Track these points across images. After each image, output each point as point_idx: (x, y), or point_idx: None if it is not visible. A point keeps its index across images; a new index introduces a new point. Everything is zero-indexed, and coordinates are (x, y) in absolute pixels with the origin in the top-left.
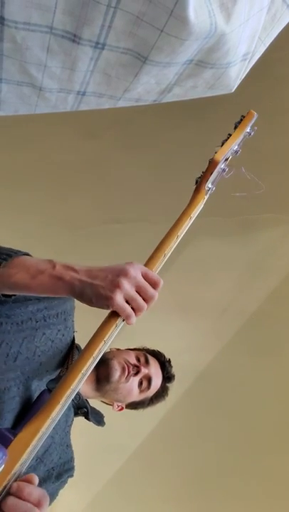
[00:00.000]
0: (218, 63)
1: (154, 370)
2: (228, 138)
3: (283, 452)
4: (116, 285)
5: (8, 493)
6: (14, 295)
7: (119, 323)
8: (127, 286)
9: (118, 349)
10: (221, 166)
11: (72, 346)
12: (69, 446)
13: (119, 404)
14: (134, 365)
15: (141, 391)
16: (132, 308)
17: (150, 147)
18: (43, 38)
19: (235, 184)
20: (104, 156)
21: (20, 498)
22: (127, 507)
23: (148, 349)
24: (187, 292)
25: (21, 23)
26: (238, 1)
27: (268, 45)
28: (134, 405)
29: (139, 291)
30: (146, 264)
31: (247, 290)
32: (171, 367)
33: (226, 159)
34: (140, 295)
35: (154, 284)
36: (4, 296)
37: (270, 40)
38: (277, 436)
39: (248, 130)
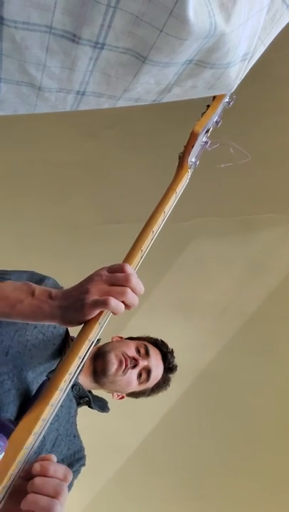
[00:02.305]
0: (218, 63)
1: (155, 362)
2: (207, 109)
3: (283, 452)
4: (85, 290)
5: (26, 479)
6: None
7: None
8: (97, 284)
9: (120, 337)
10: (203, 138)
11: (67, 337)
12: (76, 436)
13: (119, 393)
14: (132, 358)
15: (140, 383)
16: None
17: (149, 147)
18: (42, 38)
19: (220, 156)
20: (103, 155)
21: (46, 476)
22: (128, 506)
23: (150, 338)
24: (187, 292)
25: (20, 23)
26: (238, 1)
27: (267, 45)
28: (134, 394)
29: (110, 283)
30: (136, 241)
31: (247, 290)
32: (174, 357)
33: (207, 131)
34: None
35: (120, 271)
36: None
37: (270, 41)
38: (278, 435)
39: (226, 100)
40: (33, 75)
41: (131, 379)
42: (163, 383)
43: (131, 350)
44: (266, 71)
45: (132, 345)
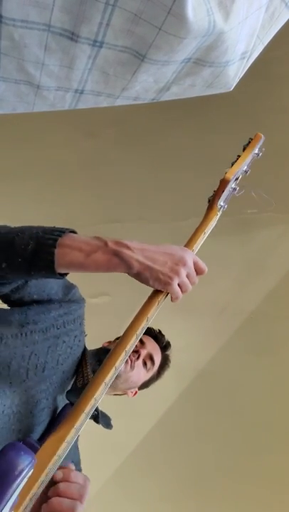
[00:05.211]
0: (217, 62)
1: (151, 346)
2: (237, 159)
3: (281, 451)
4: (175, 273)
5: (47, 497)
6: (67, 273)
7: (144, 325)
8: (183, 275)
9: (109, 341)
10: (232, 185)
11: (84, 352)
12: (77, 448)
13: (132, 390)
14: (133, 351)
15: (148, 370)
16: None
17: (149, 146)
18: (40, 36)
19: (247, 200)
20: (102, 154)
21: (68, 481)
22: (126, 506)
23: None
24: None
25: (19, 21)
26: None
27: (266, 43)
28: (145, 385)
29: (188, 277)
30: None
31: (245, 289)
32: (163, 336)
33: (236, 179)
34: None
35: (200, 272)
36: (60, 274)
37: (269, 39)
38: (276, 435)
39: (256, 151)
40: (32, 74)
41: (139, 371)
42: (164, 362)
43: None
44: (265, 70)
45: None
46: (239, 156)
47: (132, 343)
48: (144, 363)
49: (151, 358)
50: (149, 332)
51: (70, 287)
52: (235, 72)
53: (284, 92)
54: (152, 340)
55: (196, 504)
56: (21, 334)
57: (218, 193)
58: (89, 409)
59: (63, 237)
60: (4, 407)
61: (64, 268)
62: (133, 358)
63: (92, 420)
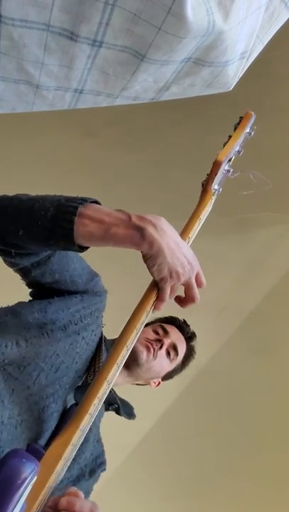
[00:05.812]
0: (216, 61)
1: (176, 336)
2: (229, 139)
3: (282, 450)
4: (177, 276)
5: (53, 509)
6: (87, 248)
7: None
8: (180, 282)
9: None
10: (225, 167)
11: (99, 346)
12: (99, 440)
13: (155, 380)
14: (156, 340)
15: (171, 360)
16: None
17: (148, 145)
18: (40, 36)
19: (241, 182)
20: (102, 154)
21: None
22: (127, 505)
23: (160, 318)
24: None
25: (18, 20)
26: None
27: (265, 43)
28: (169, 375)
29: (187, 288)
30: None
31: (245, 289)
32: (189, 326)
33: (229, 160)
34: (185, 291)
35: (199, 285)
36: (80, 247)
37: (268, 39)
38: (276, 434)
39: (247, 130)
40: (31, 73)
41: (162, 360)
42: (189, 354)
43: (151, 334)
44: (264, 69)
45: (149, 329)
46: (230, 137)
47: (133, 337)
48: (168, 353)
49: (174, 348)
50: (174, 322)
51: (93, 274)
52: (234, 71)
53: (284, 91)
54: (177, 330)
55: (197, 503)
56: (42, 334)
57: (212, 176)
58: (93, 409)
59: (85, 206)
60: (2, 417)
61: (83, 239)
62: (156, 347)
63: (113, 412)
